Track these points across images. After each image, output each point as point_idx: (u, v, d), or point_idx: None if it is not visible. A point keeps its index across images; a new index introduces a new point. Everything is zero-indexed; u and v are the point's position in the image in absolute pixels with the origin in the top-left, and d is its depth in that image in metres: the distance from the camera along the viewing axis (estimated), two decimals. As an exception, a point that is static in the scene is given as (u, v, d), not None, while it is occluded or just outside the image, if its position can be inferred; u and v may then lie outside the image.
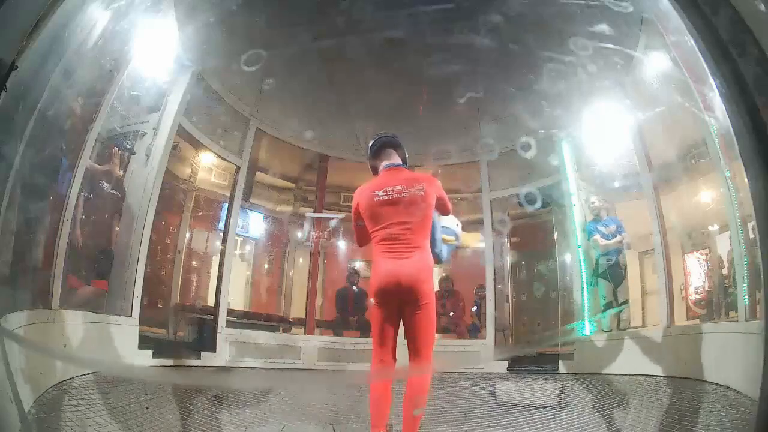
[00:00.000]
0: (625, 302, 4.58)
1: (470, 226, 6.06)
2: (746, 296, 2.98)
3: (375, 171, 2.59)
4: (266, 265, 6.36)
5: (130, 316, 3.80)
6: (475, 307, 5.88)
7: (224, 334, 4.82)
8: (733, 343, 3.00)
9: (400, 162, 2.54)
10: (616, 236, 4.61)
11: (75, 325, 3.10)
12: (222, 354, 4.75)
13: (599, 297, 4.67)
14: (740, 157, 1.22)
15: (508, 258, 6.03)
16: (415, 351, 2.28)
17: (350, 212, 2.55)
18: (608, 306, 4.59)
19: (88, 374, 2.82)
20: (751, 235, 2.14)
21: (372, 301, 2.29)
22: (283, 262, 6.29)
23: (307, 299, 5.79)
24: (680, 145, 3.99)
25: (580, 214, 5.05)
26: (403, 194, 2.33)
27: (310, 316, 5.71)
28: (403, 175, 2.44)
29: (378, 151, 2.56)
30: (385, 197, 2.33)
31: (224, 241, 5.14)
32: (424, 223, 2.32)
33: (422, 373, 2.31)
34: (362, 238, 2.47)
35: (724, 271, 3.62)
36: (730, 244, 3.40)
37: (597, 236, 4.66)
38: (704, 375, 3.20)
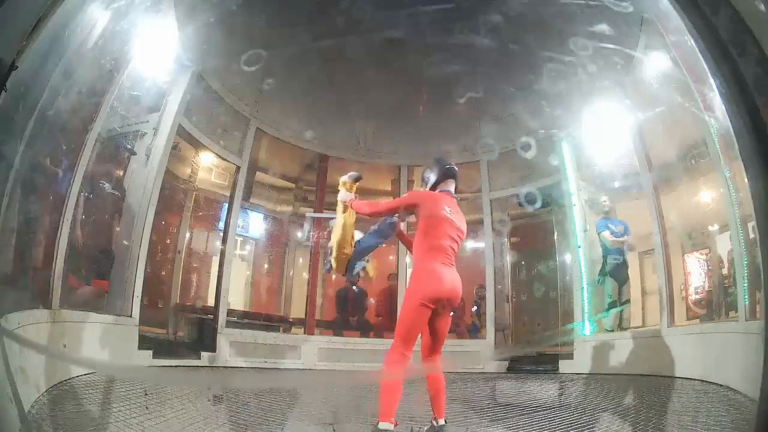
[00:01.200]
0: (627, 301, 4.59)
1: (470, 226, 6.07)
2: (746, 296, 2.97)
3: (434, 187, 2.76)
4: (266, 265, 6.36)
5: (130, 316, 3.80)
6: (475, 307, 5.88)
7: (224, 334, 4.83)
8: (733, 343, 3.00)
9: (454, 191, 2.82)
10: (623, 236, 4.62)
11: (75, 325, 3.10)
12: (222, 354, 4.75)
13: (605, 295, 4.66)
14: (740, 157, 1.22)
15: (508, 258, 6.03)
16: (435, 348, 2.57)
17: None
18: (613, 305, 4.59)
19: (88, 374, 2.82)
20: (751, 235, 2.14)
21: (419, 302, 2.43)
22: (283, 262, 6.29)
23: (307, 299, 5.79)
24: (680, 145, 3.99)
25: (580, 214, 5.04)
26: (457, 222, 2.62)
27: (310, 316, 5.70)
28: (457, 206, 2.71)
29: (449, 177, 2.78)
30: (449, 216, 2.59)
31: (224, 241, 5.14)
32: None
33: (438, 369, 2.57)
34: (389, 213, 2.76)
35: (724, 271, 3.62)
36: (730, 244, 3.40)
37: (607, 232, 4.66)
38: (704, 375, 3.20)
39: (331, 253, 2.94)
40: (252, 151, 5.39)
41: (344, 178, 2.87)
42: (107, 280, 3.78)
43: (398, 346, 2.39)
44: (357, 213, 2.81)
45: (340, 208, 2.84)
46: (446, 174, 2.75)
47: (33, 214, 2.42)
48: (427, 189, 2.77)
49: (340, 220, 2.83)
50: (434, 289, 2.43)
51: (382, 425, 2.22)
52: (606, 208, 4.79)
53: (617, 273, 4.62)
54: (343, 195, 2.83)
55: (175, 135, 4.40)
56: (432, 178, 2.76)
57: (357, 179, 2.89)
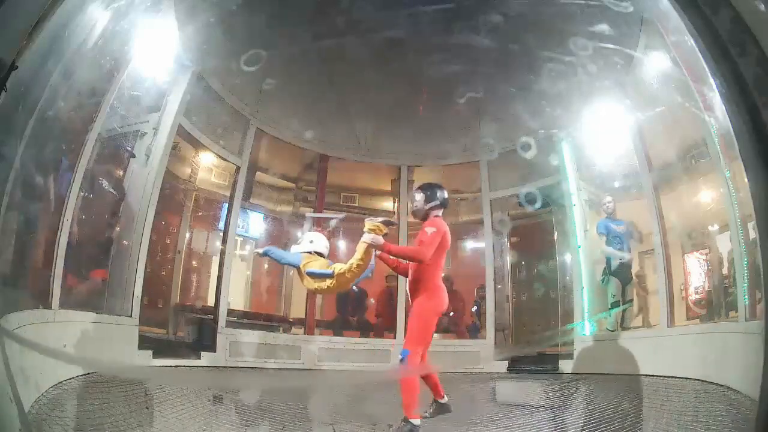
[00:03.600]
0: (631, 301, 4.58)
1: (470, 226, 6.07)
2: (746, 296, 2.97)
3: (430, 211, 2.98)
4: (266, 265, 6.35)
5: (130, 316, 3.80)
6: (475, 307, 5.88)
7: (224, 334, 4.82)
8: (733, 343, 3.00)
9: None
10: (626, 234, 4.60)
11: (75, 325, 3.10)
12: (222, 354, 4.75)
13: (608, 295, 4.65)
14: (740, 157, 1.22)
15: (508, 258, 6.02)
16: (426, 349, 2.92)
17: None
18: (616, 305, 4.58)
19: (88, 374, 2.82)
20: (751, 235, 2.14)
21: (437, 314, 2.90)
22: (283, 262, 6.28)
23: (307, 299, 5.79)
24: (680, 145, 3.99)
25: (580, 214, 5.04)
26: None
27: (310, 316, 5.70)
28: None
29: (446, 206, 3.08)
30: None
31: (224, 241, 5.14)
32: None
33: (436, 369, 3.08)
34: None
35: (724, 271, 3.62)
36: (730, 244, 3.40)
37: (609, 249, 4.67)
38: (704, 375, 3.20)
39: (330, 278, 3.02)
40: (252, 151, 5.38)
41: (377, 221, 2.86)
42: (106, 269, 3.77)
43: (418, 353, 2.77)
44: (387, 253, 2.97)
45: (362, 249, 2.85)
46: (446, 204, 3.05)
47: (33, 214, 2.42)
48: (419, 208, 2.98)
49: (356, 262, 2.87)
50: (446, 303, 2.91)
51: (415, 421, 2.60)
52: (609, 210, 4.78)
53: (621, 273, 4.60)
54: (375, 239, 2.82)
55: (175, 135, 4.39)
56: (435, 202, 2.97)
57: (389, 224, 2.97)
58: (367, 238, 2.81)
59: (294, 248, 3.32)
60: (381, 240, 2.83)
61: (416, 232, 3.33)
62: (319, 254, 3.22)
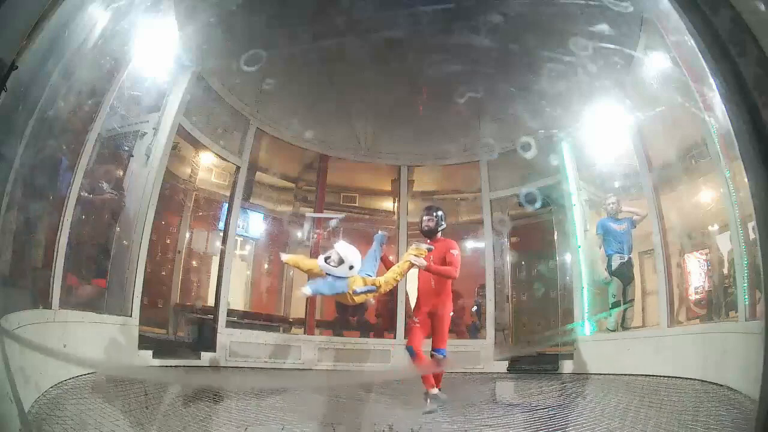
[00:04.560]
0: (632, 301, 4.57)
1: (470, 226, 6.07)
2: (746, 296, 2.98)
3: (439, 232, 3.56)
4: (266, 265, 6.35)
5: (130, 316, 3.80)
6: (475, 307, 5.88)
7: (224, 334, 4.82)
8: (733, 343, 3.00)
9: None
10: (627, 234, 4.60)
11: (75, 325, 3.10)
12: (222, 354, 4.75)
13: (609, 295, 4.64)
14: (740, 157, 1.22)
15: (508, 258, 6.02)
16: None
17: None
18: (616, 305, 4.57)
19: (88, 374, 2.82)
20: (751, 235, 2.14)
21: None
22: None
23: (307, 299, 5.78)
24: (680, 145, 3.99)
25: (581, 214, 5.04)
26: None
27: (310, 316, 5.70)
28: None
29: None
30: None
31: (224, 241, 5.13)
32: None
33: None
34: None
35: (724, 271, 3.62)
36: (730, 244, 3.40)
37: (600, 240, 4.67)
38: (704, 375, 3.20)
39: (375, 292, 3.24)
40: (252, 151, 5.38)
41: (423, 247, 3.34)
42: (104, 278, 3.78)
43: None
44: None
45: (405, 267, 3.28)
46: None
47: (33, 214, 2.42)
48: (432, 229, 3.49)
49: (398, 277, 3.25)
50: None
51: (434, 390, 3.20)
52: (611, 210, 4.77)
53: (622, 272, 4.59)
54: (421, 261, 3.28)
55: (175, 135, 4.40)
56: (443, 226, 3.52)
57: (430, 250, 3.38)
58: (415, 260, 3.26)
59: (331, 269, 3.12)
60: (425, 263, 3.28)
61: (416, 233, 3.71)
62: None
